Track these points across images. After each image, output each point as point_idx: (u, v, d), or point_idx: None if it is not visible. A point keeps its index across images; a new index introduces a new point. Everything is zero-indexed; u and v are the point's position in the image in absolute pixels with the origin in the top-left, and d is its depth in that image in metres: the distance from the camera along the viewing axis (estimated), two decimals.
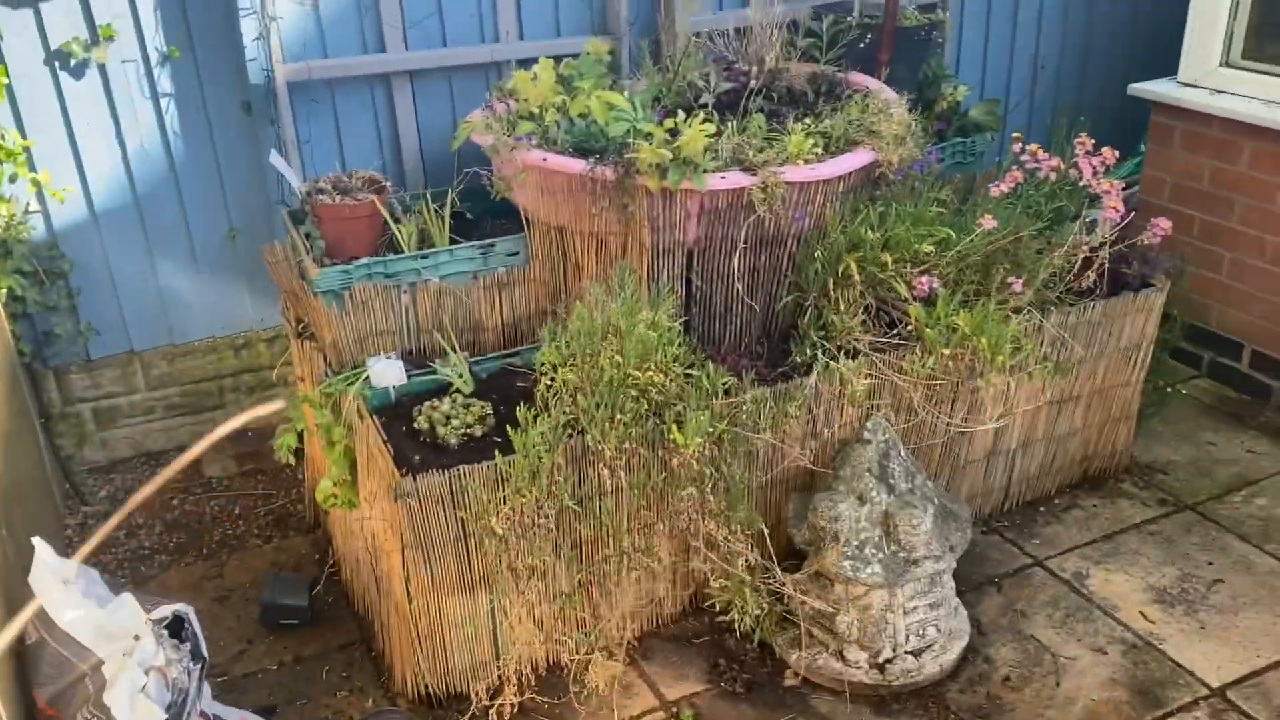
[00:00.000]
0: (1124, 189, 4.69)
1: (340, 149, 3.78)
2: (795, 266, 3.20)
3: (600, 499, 2.65)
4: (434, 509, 2.57)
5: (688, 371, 2.73)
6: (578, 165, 2.99)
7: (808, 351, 3.05)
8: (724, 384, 2.73)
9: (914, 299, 3.05)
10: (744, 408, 2.73)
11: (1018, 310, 3.12)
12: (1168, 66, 4.17)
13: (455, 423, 2.77)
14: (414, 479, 2.54)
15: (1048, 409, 3.37)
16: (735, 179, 2.95)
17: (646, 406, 2.67)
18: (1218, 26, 3.96)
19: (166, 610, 2.39)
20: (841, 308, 3.08)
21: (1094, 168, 3.02)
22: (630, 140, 3.00)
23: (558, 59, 3.44)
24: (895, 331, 3.08)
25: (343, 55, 3.65)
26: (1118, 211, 2.95)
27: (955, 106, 4.02)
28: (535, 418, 2.56)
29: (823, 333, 3.11)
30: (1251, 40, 3.97)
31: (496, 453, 2.53)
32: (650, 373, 2.63)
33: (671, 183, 2.88)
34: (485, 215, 3.43)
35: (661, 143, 2.92)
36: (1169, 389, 3.83)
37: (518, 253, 3.26)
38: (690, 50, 3.62)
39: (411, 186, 3.83)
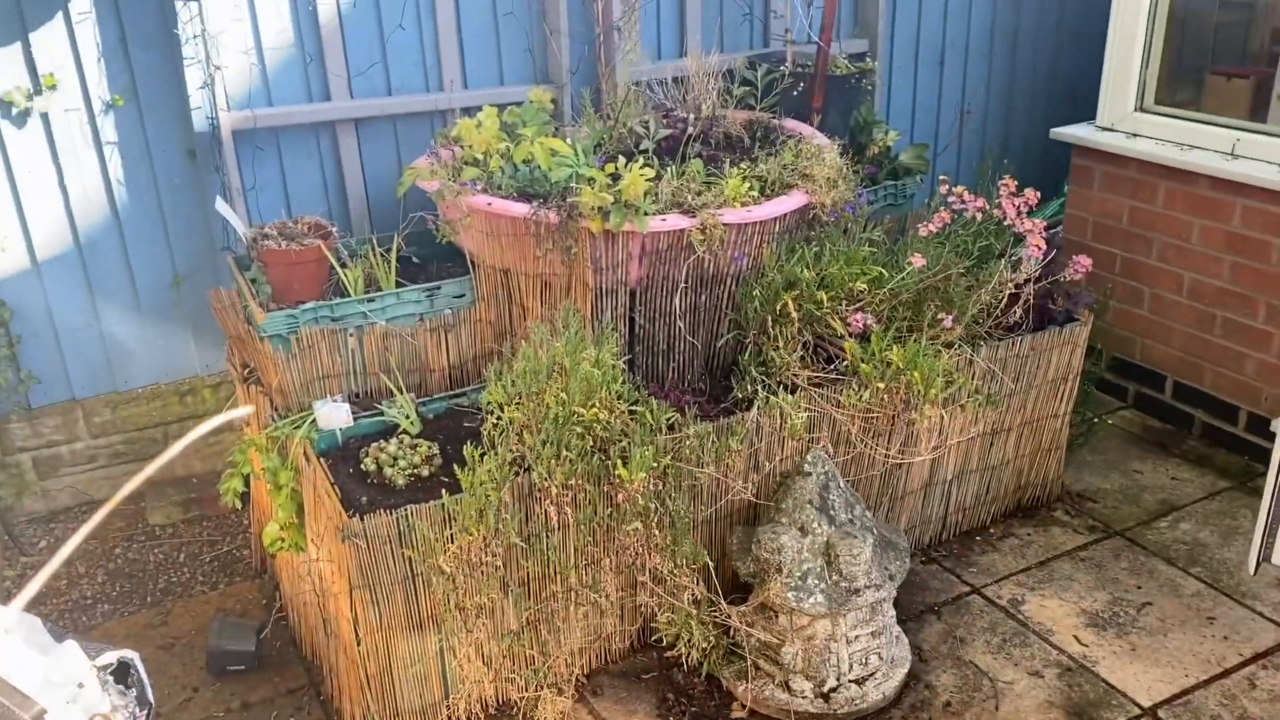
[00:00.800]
0: (1048, 228, 4.90)
1: (286, 195, 3.81)
2: (735, 305, 3.29)
3: (547, 535, 2.69)
4: (381, 550, 2.60)
5: (632, 408, 2.79)
6: (522, 209, 3.06)
7: (749, 387, 3.14)
8: (667, 419, 2.80)
9: (849, 335, 3.15)
10: (687, 443, 2.80)
11: (949, 345, 3.23)
12: (1088, 111, 4.36)
13: (402, 463, 2.81)
14: (361, 520, 2.56)
15: (981, 440, 3.48)
16: (675, 221, 3.04)
17: (592, 443, 2.73)
18: (1131, 73, 4.16)
19: (112, 657, 2.38)
20: (780, 344, 3.18)
21: (1017, 208, 3.16)
22: (573, 185, 3.09)
23: (501, 107, 3.53)
24: (832, 367, 3.17)
25: (288, 104, 3.69)
26: (1040, 250, 3.08)
27: (886, 151, 4.17)
28: (481, 456, 2.60)
29: (763, 369, 3.20)
30: (1164, 86, 4.18)
31: (444, 492, 2.56)
32: (595, 410, 2.69)
33: (613, 225, 2.96)
34: (432, 259, 3.49)
35: (603, 187, 3.01)
36: (1095, 420, 3.97)
37: (464, 295, 3.31)
38: (630, 98, 3.72)
39: (358, 231, 3.88)
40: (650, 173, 3.02)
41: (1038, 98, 5.18)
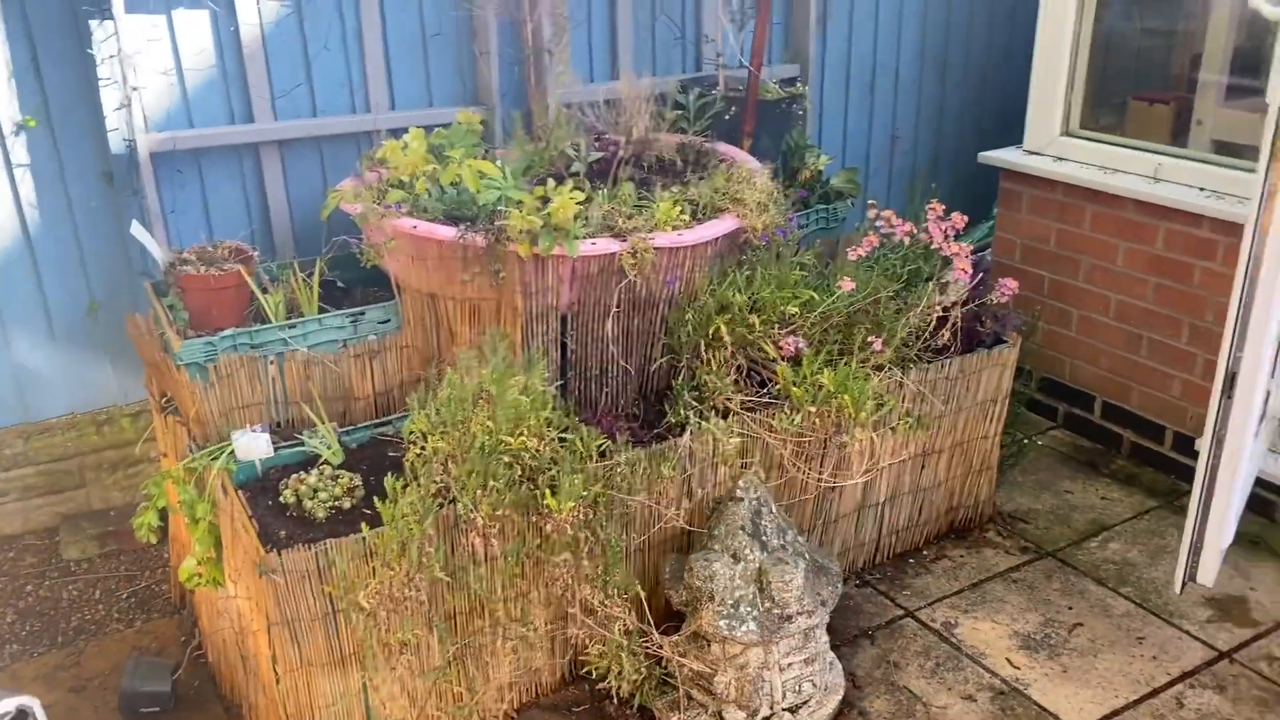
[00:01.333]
0: (977, 251, 4.95)
1: (208, 219, 3.71)
2: (668, 329, 3.26)
3: (473, 568, 2.62)
4: (300, 585, 2.51)
5: (562, 435, 2.75)
6: (449, 232, 3.01)
7: (681, 412, 3.11)
8: (598, 447, 2.75)
9: (782, 359, 3.14)
10: (618, 470, 2.75)
11: (879, 368, 3.23)
12: (1018, 135, 4.42)
13: (323, 495, 2.73)
14: (279, 555, 2.47)
15: (912, 463, 3.48)
16: (605, 245, 3.00)
17: (520, 472, 2.67)
18: (1056, 98, 4.23)
19: (10, 704, 2.27)
20: (713, 368, 3.15)
21: (944, 232, 3.18)
22: (501, 208, 3.04)
23: (430, 128, 3.48)
24: (765, 390, 3.15)
25: (209, 125, 3.60)
26: (966, 273, 3.10)
27: (818, 175, 4.18)
28: (404, 488, 2.53)
29: (696, 393, 3.17)
30: (1088, 111, 4.25)
31: (363, 525, 2.49)
32: (523, 438, 2.63)
33: (542, 249, 2.92)
34: (357, 283, 3.42)
35: (532, 210, 2.96)
36: (1025, 441, 4.00)
37: (389, 320, 3.24)
38: (561, 120, 3.69)
39: (282, 256, 3.78)
40: (580, 196, 2.99)
41: (967, 122, 5.25)
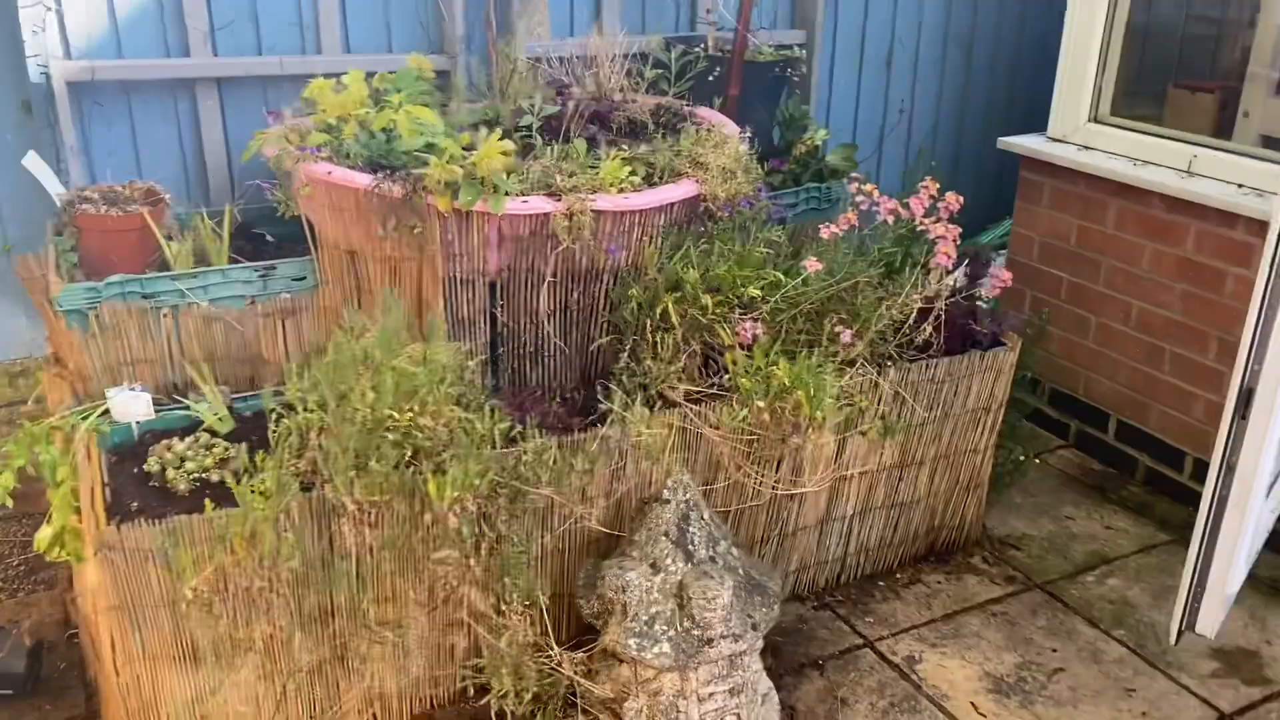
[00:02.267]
0: (998, 248, 4.52)
1: (138, 161, 3.42)
2: (612, 305, 2.91)
3: (342, 561, 2.28)
4: (143, 566, 2.19)
5: (464, 417, 2.40)
6: (363, 179, 2.67)
7: (618, 398, 2.75)
8: (502, 430, 2.40)
9: (740, 346, 2.77)
10: (524, 459, 2.40)
11: (851, 363, 2.85)
12: (1045, 123, 3.99)
13: (190, 465, 2.41)
14: (118, 529, 2.15)
15: (888, 473, 3.09)
16: (537, 204, 2.65)
17: (411, 454, 2.33)
18: (1086, 81, 3.80)
19: None
20: (659, 352, 2.79)
21: (924, 207, 2.78)
22: (426, 156, 2.70)
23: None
24: (714, 381, 2.78)
25: (141, 57, 3.30)
26: (950, 258, 2.70)
27: (815, 150, 3.79)
28: (264, 464, 2.20)
29: (640, 379, 2.81)
30: (1120, 96, 3.81)
31: (206, 502, 2.15)
32: (412, 415, 2.29)
33: (463, 203, 2.57)
34: (289, 238, 3.09)
35: (455, 159, 2.62)
36: (1023, 459, 3.58)
37: (304, 277, 2.92)
38: (523, 73, 3.34)
39: (218, 204, 3.47)
40: (509, 146, 2.64)
41: (995, 109, 4.82)
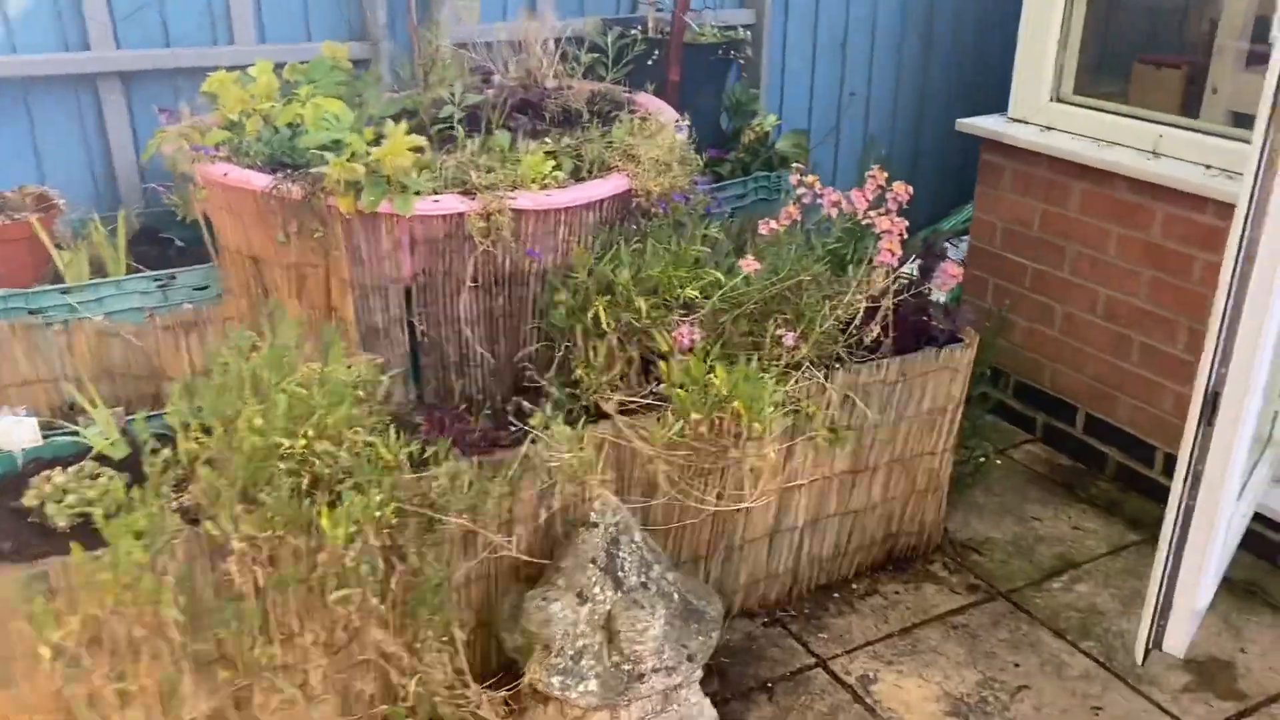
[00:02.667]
0: (959, 236, 4.34)
1: (39, 164, 3.19)
2: (540, 310, 2.71)
3: (233, 603, 2.08)
4: (5, 613, 1.99)
5: (366, 440, 2.20)
6: (261, 181, 2.47)
7: (547, 411, 2.56)
8: (410, 453, 2.20)
9: (679, 352, 2.58)
10: (435, 484, 2.20)
11: (796, 367, 2.67)
12: (1008, 104, 3.81)
13: (71, 499, 2.20)
14: None
15: (840, 481, 2.91)
16: (450, 203, 2.45)
17: (308, 483, 2.13)
18: (1046, 59, 3.62)
19: None
20: (591, 360, 2.60)
21: (868, 200, 2.59)
22: (330, 154, 2.50)
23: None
24: (651, 390, 2.60)
25: (36, 51, 3.08)
26: (894, 254, 2.51)
27: (764, 138, 3.61)
28: (141, 499, 2.00)
29: (571, 388, 2.63)
30: (1083, 74, 3.63)
31: (74, 545, 1.95)
32: (307, 441, 2.09)
33: (367, 204, 2.37)
34: (199, 243, 2.88)
35: (359, 155, 2.42)
36: (984, 460, 3.41)
37: (207, 286, 2.72)
38: (447, 60, 3.13)
39: (130, 208, 3.26)
40: (417, 140, 2.44)
41: (955, 91, 4.63)
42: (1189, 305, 3.25)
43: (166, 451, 2.07)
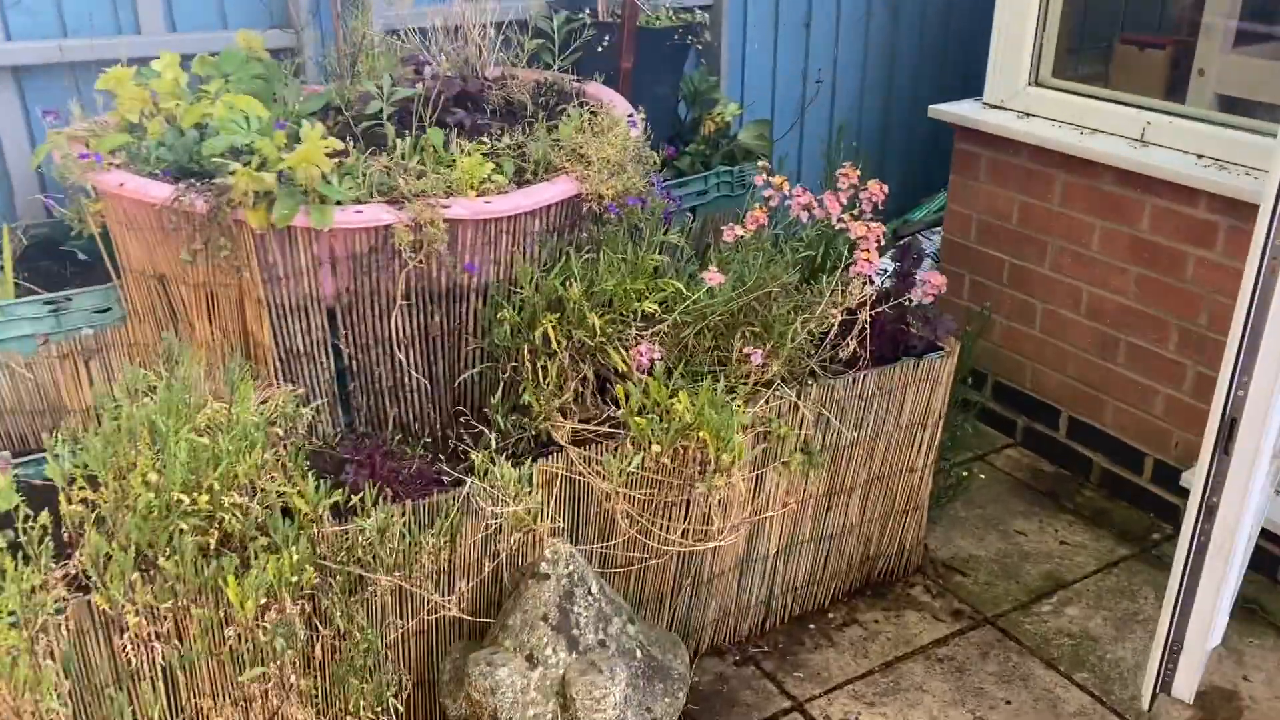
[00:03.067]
0: (930, 228, 4.12)
1: None
2: (482, 329, 2.45)
3: (129, 683, 1.82)
4: None
5: (281, 490, 1.93)
6: (161, 192, 2.18)
7: (491, 442, 2.31)
8: (331, 502, 1.94)
9: (639, 371, 2.33)
10: (360, 539, 1.94)
11: (767, 384, 2.43)
12: (983, 87, 3.58)
13: None
14: None
15: (815, 503, 2.68)
16: (374, 214, 2.18)
17: (217, 541, 1.87)
18: (1024, 39, 3.39)
19: None
20: (541, 382, 2.35)
21: (841, 204, 2.35)
22: (241, 160, 2.21)
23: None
24: (609, 415, 2.35)
25: None
26: (871, 264, 2.27)
27: (724, 128, 3.35)
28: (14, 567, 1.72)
29: (520, 414, 2.37)
30: (1063, 55, 3.41)
31: None
32: (211, 495, 1.82)
33: (278, 219, 2.09)
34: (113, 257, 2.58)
35: (271, 162, 2.14)
36: (966, 475, 3.19)
37: (109, 308, 2.42)
38: (376, 49, 2.84)
39: (32, 217, 2.95)
40: (335, 143, 2.16)
41: (925, 73, 4.40)
42: (1180, 305, 3.05)
43: (45, 514, 1.79)
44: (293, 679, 1.82)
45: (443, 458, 2.39)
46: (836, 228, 2.38)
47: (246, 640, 1.78)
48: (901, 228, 4.28)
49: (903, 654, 2.71)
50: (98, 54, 2.91)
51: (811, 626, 2.81)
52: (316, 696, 1.92)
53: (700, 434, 2.20)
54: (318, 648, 1.93)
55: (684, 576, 2.55)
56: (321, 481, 1.95)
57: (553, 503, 2.26)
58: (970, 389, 3.33)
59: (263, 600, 1.75)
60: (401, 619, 2.08)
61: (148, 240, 2.29)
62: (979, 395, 3.63)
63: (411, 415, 2.50)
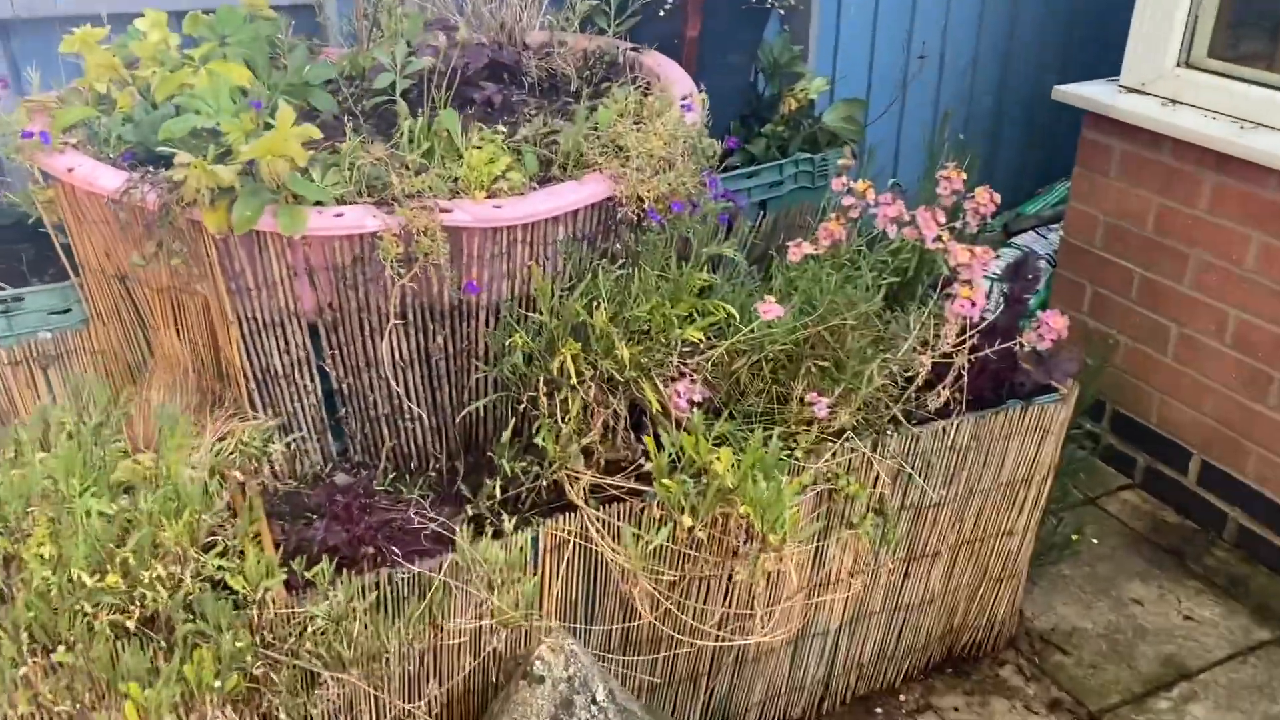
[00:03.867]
0: (1046, 224, 3.58)
1: None
2: (490, 357, 2.05)
3: None
4: None
5: (219, 565, 1.57)
6: (111, 182, 1.82)
7: (493, 493, 1.93)
8: (273, 583, 1.57)
9: (681, 412, 1.91)
10: (310, 629, 1.57)
11: (838, 434, 1.99)
12: (1118, 66, 3.02)
13: None
14: None
15: (888, 573, 2.24)
16: (355, 218, 1.79)
17: (139, 622, 1.52)
18: (1176, 10, 2.82)
19: None
20: (559, 420, 1.94)
21: (939, 221, 1.87)
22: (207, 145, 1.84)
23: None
24: (639, 464, 1.94)
25: None
26: (975, 305, 1.79)
27: (808, 107, 2.87)
28: None
29: (531, 458, 1.98)
30: (1224, 31, 2.84)
31: None
32: (115, 577, 1.47)
33: (238, 221, 1.72)
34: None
35: (238, 146, 1.76)
36: (1076, 537, 2.70)
37: (68, 309, 2.09)
38: (399, 10, 2.44)
39: None
40: (310, 131, 1.77)
41: (1050, 44, 3.81)
42: None
43: None
44: None
45: (456, 489, 2.02)
46: (932, 248, 1.90)
47: None
48: (1013, 222, 3.75)
49: None
50: (79, 8, 2.55)
51: (878, 711, 2.38)
52: None
53: (743, 503, 1.78)
54: None
55: (724, 654, 2.14)
56: (283, 539, 1.59)
57: (563, 567, 1.87)
58: (1085, 416, 2.83)
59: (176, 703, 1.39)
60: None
61: (101, 235, 1.94)
62: (1094, 425, 3.12)
63: (412, 446, 2.13)
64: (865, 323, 2.00)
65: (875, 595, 2.27)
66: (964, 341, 1.88)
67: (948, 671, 2.47)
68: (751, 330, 1.91)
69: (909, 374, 1.95)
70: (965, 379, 1.93)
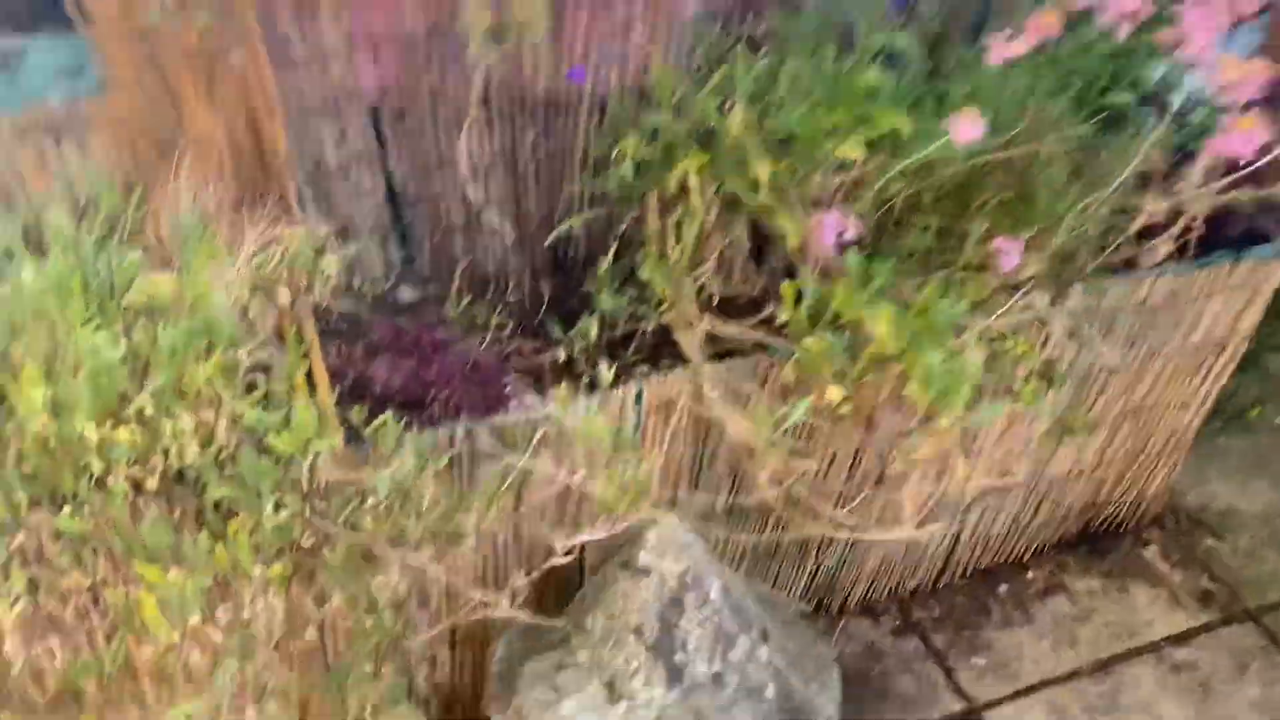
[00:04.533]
0: None
1: None
2: (594, 165, 1.66)
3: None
4: None
5: (260, 418, 1.26)
6: None
7: (590, 335, 1.59)
8: (326, 445, 1.26)
9: (829, 249, 1.53)
10: (370, 499, 1.28)
11: (1014, 288, 1.61)
12: None
13: None
14: None
15: (1037, 442, 1.91)
16: None
17: (161, 480, 1.23)
18: None
19: None
20: (668, 251, 1.58)
21: (1213, 24, 1.40)
22: None
23: None
24: (763, 315, 1.58)
25: None
26: (1249, 143, 1.35)
27: None
28: None
29: (635, 292, 1.63)
30: None
31: None
32: (130, 428, 1.17)
33: None
34: None
35: None
36: (1253, 409, 2.33)
37: (79, 68, 1.72)
38: None
39: None
40: None
41: None
42: None
43: None
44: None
45: (539, 321, 1.69)
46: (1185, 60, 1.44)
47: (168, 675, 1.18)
48: None
49: (1125, 650, 2.00)
50: None
51: (1001, 588, 2.10)
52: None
53: (906, 370, 1.43)
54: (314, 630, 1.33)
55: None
56: (337, 380, 1.28)
57: (668, 432, 1.56)
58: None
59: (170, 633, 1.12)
60: (430, 621, 1.45)
61: None
62: None
63: (491, 263, 1.78)
64: (1071, 153, 1.57)
65: (1019, 466, 1.94)
66: (1201, 193, 1.45)
67: (1083, 548, 2.18)
68: (930, 151, 1.50)
69: (1118, 225, 1.54)
70: (1192, 233, 1.52)
